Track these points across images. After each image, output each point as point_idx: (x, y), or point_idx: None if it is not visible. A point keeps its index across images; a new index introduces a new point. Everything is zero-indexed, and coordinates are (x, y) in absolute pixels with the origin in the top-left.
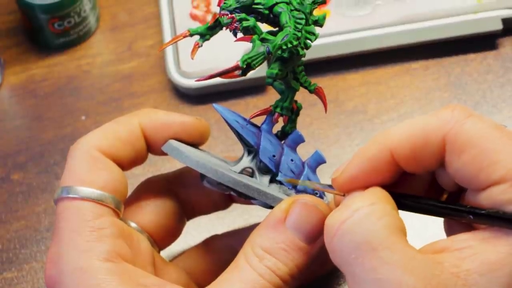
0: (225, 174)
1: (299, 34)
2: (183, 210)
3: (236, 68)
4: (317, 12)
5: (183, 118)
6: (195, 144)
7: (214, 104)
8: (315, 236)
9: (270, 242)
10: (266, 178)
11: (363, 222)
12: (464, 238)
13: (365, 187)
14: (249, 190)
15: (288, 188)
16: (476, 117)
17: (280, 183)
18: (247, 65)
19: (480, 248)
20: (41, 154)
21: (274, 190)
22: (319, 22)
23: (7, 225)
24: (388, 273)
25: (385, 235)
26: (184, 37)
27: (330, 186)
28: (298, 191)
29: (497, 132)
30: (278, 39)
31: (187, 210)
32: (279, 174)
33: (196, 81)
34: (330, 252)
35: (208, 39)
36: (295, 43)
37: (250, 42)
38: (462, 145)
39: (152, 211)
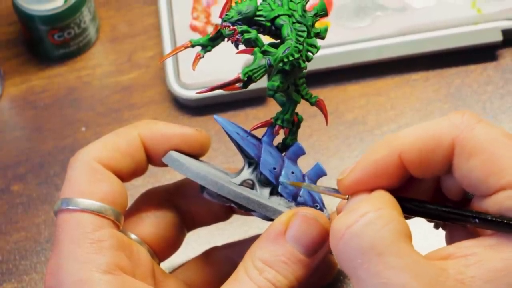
0: (225, 186)
1: (300, 47)
2: (184, 222)
3: (237, 80)
4: (317, 24)
5: (184, 130)
6: (195, 156)
7: (215, 116)
8: (315, 249)
9: (270, 255)
10: (267, 191)
11: (370, 227)
12: (468, 245)
13: (371, 190)
14: (249, 203)
15: (288, 201)
16: (486, 123)
17: (281, 195)
18: (248, 78)
19: (485, 255)
20: (41, 165)
21: (274, 202)
22: (321, 35)
23: (7, 236)
24: (393, 277)
25: (391, 240)
26: (186, 47)
27: (334, 189)
28: (299, 204)
29: (506, 139)
30: (280, 52)
31: (187, 222)
32: (279, 186)
33: (197, 93)
34: (335, 255)
35: (209, 50)
36: (296, 56)
37: (252, 55)
38: (471, 150)
39: (152, 223)
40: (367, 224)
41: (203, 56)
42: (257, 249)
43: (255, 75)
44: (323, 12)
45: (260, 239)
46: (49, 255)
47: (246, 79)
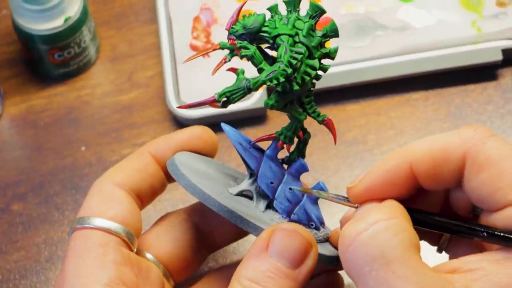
0: (211, 198)
1: (289, 71)
2: (203, 243)
3: (214, 100)
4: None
5: (187, 131)
6: (209, 154)
7: (222, 123)
8: (299, 260)
9: (255, 272)
10: (263, 204)
11: (380, 236)
12: (475, 260)
13: (380, 199)
14: (232, 217)
15: (282, 217)
16: (498, 138)
17: (276, 210)
18: (227, 98)
19: (491, 269)
20: (41, 185)
21: (267, 216)
22: (330, 55)
23: (7, 256)
24: (400, 287)
25: (400, 250)
26: (214, 50)
27: (344, 198)
28: (292, 221)
29: None
30: (263, 75)
31: (208, 243)
32: (275, 201)
33: (177, 107)
34: (343, 262)
35: (236, 55)
36: (281, 80)
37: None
38: (481, 163)
39: (169, 244)
40: (377, 232)
41: (230, 60)
42: (242, 269)
43: (233, 96)
44: (332, 33)
45: (244, 260)
46: (50, 274)
47: (222, 99)
